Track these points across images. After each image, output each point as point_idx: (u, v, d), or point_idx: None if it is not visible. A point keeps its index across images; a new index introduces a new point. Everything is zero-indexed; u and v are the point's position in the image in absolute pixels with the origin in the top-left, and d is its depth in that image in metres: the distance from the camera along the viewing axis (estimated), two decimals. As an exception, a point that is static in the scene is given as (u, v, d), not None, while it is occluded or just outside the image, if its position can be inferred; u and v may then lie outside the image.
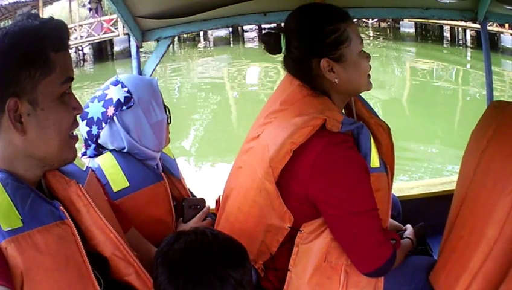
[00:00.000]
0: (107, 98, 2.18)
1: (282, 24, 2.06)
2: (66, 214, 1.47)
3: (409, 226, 2.37)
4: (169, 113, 2.33)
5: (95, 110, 2.18)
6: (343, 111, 2.08)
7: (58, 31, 1.40)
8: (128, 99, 2.15)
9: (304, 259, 1.92)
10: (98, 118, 2.17)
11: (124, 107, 2.15)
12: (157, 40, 2.88)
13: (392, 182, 2.13)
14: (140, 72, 2.84)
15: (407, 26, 25.74)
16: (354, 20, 2.07)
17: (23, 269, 1.30)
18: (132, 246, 1.78)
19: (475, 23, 2.93)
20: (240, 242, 1.60)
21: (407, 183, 3.54)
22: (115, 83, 2.22)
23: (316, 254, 1.90)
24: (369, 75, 1.99)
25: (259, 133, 2.02)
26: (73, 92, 1.48)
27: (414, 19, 17.62)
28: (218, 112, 16.49)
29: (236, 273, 1.49)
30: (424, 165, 10.24)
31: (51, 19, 1.42)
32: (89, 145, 2.25)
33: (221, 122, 15.10)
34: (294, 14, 2.01)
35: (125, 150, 2.20)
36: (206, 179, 9.05)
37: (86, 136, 2.22)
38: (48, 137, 1.41)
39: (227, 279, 1.47)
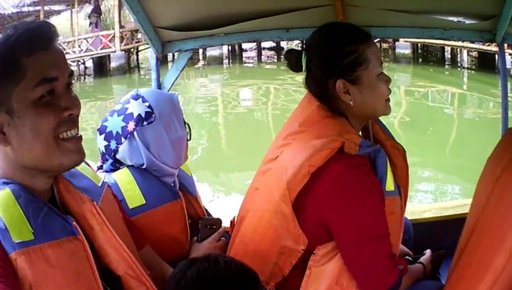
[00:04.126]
0: (128, 112, 2.15)
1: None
2: (79, 230, 1.45)
3: (428, 251, 2.37)
4: (190, 129, 2.30)
5: (114, 124, 2.16)
6: (360, 133, 2.08)
7: (29, 34, 1.35)
8: (149, 114, 2.13)
9: (316, 282, 1.91)
10: (117, 132, 2.15)
11: (145, 123, 2.12)
12: (178, 52, 2.90)
13: (405, 205, 2.14)
14: (159, 85, 2.85)
15: (403, 47, 24.69)
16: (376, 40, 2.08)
17: (32, 281, 1.30)
18: (146, 263, 1.77)
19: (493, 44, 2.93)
20: (252, 268, 1.60)
21: (419, 206, 3.54)
22: (136, 97, 2.19)
23: (328, 276, 1.90)
24: (388, 99, 1.99)
25: (278, 154, 2.03)
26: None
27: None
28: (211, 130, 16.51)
29: None
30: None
31: (25, 23, 1.39)
32: (106, 160, 2.23)
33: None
34: (316, 33, 2.02)
35: (143, 167, 2.18)
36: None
37: (104, 151, 2.19)
38: (28, 144, 1.36)
39: None
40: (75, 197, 1.56)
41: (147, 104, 2.15)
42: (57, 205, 1.52)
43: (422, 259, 2.30)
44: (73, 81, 1.47)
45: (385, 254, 1.86)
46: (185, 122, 2.27)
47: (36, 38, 1.35)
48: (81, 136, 1.46)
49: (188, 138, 2.29)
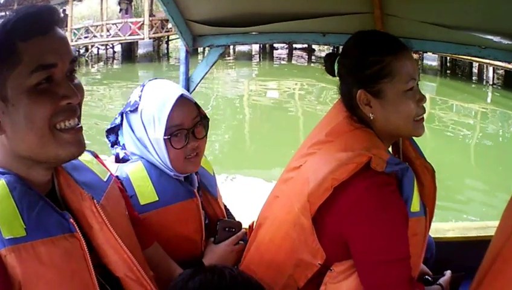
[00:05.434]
0: (130, 96, 2.18)
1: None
2: (76, 227, 1.38)
3: (448, 272, 2.28)
4: (188, 139, 2.08)
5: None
6: (390, 149, 2.00)
7: (27, 18, 1.28)
8: (135, 104, 2.10)
9: None
10: (122, 111, 2.18)
11: (128, 110, 2.11)
12: (209, 47, 2.84)
13: (430, 225, 2.07)
14: (187, 79, 2.80)
15: (430, 59, 24.67)
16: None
17: (22, 279, 1.23)
18: (152, 262, 1.74)
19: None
20: (266, 277, 1.56)
21: (443, 225, 3.52)
22: (142, 85, 2.18)
23: None
24: (421, 119, 1.88)
25: (301, 163, 1.95)
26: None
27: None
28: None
29: None
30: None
31: (26, 6, 1.33)
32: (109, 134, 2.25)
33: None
34: (350, 39, 1.95)
35: (138, 153, 2.14)
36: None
37: (112, 123, 2.24)
38: (22, 133, 1.29)
39: None
40: (75, 193, 1.49)
41: (140, 94, 2.12)
42: (57, 199, 1.46)
43: (441, 280, 2.22)
44: (76, 68, 1.40)
45: (403, 279, 1.78)
46: (188, 133, 2.08)
47: (34, 22, 1.29)
48: (81, 127, 1.38)
49: (176, 146, 2.07)
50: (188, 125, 2.06)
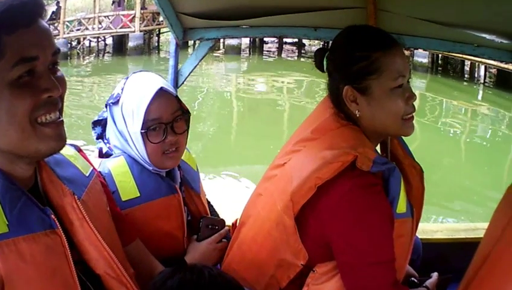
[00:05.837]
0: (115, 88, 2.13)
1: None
2: (57, 223, 1.35)
3: (435, 274, 2.23)
4: (166, 133, 2.03)
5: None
6: (378, 147, 1.95)
7: (12, 11, 1.24)
8: (117, 96, 2.06)
9: None
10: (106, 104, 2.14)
11: (111, 102, 2.07)
12: (200, 41, 2.81)
13: (417, 226, 2.03)
14: (177, 72, 2.76)
15: (421, 56, 24.80)
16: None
17: (4, 275, 1.21)
18: (134, 259, 1.71)
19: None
20: (248, 277, 1.57)
21: (431, 226, 3.52)
22: (126, 78, 2.13)
23: None
24: (410, 118, 1.81)
25: (286, 161, 1.90)
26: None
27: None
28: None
29: None
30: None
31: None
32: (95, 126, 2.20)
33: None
34: (339, 34, 1.90)
35: (119, 146, 2.09)
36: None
37: (99, 117, 2.20)
38: (3, 128, 1.26)
39: None
40: (56, 188, 1.46)
41: (123, 86, 2.08)
42: (40, 195, 1.43)
43: (427, 283, 2.17)
44: (58, 60, 1.37)
45: (387, 282, 1.73)
46: (167, 127, 2.04)
47: (18, 15, 1.25)
48: (62, 120, 1.35)
49: (151, 140, 2.02)
50: (167, 119, 2.01)
